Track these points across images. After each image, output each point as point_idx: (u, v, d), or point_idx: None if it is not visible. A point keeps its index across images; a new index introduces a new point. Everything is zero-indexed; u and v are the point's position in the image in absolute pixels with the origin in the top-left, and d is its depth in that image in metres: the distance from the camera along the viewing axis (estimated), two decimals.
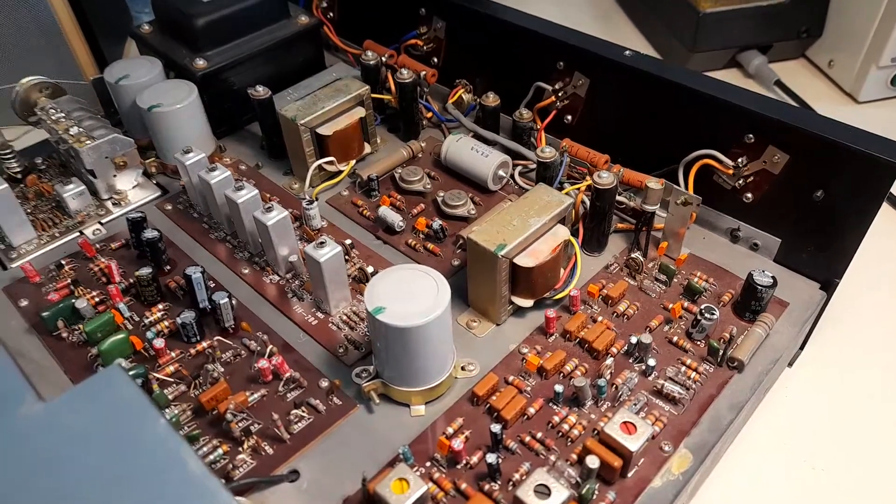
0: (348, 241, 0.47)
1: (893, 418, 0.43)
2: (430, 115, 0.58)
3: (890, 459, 0.41)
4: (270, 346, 0.40)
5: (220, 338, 0.41)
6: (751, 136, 0.42)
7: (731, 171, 0.44)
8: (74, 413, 0.24)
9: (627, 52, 0.47)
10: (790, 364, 0.47)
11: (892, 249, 0.55)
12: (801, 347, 0.47)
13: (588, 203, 0.45)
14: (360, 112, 0.53)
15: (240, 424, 0.36)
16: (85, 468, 0.23)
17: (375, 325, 0.35)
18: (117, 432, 0.24)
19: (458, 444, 0.34)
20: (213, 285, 0.45)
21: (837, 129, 0.39)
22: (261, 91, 0.53)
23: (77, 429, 0.24)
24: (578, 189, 0.47)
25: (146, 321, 0.42)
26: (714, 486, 0.40)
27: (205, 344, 0.40)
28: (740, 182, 0.44)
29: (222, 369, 0.40)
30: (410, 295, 0.35)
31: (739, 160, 0.43)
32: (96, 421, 0.24)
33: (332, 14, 0.68)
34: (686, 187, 0.46)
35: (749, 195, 0.44)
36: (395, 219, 0.48)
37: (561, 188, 0.48)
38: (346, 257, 0.46)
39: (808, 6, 0.73)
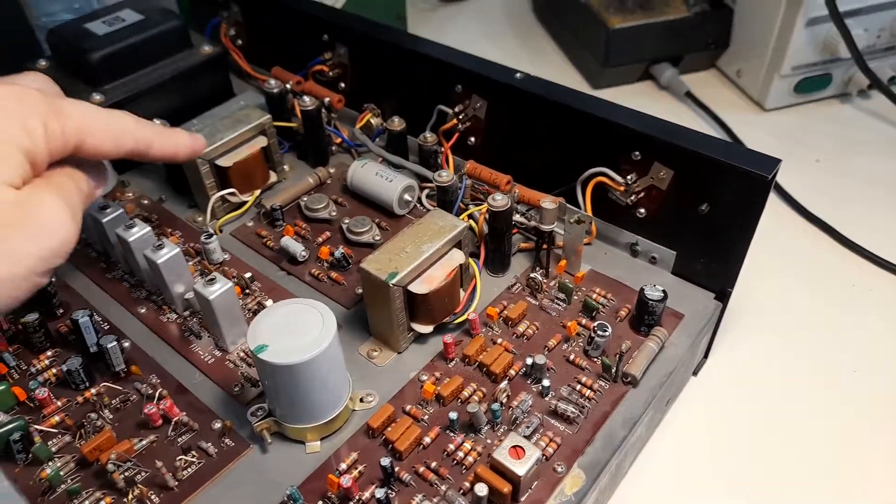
0: (248, 275, 0.46)
1: (795, 418, 0.45)
2: (338, 140, 0.58)
3: (795, 459, 0.42)
4: (160, 390, 0.39)
5: (107, 383, 0.39)
6: (637, 153, 0.43)
7: (622, 188, 0.45)
8: None
9: (518, 75, 0.47)
10: (695, 373, 0.48)
11: (793, 251, 0.57)
12: (706, 356, 0.48)
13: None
14: (261, 141, 0.52)
15: (123, 474, 0.35)
16: None
17: (260, 365, 0.34)
18: None
19: (346, 480, 0.33)
20: (107, 327, 0.44)
21: (711, 145, 0.40)
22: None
23: None
24: (480, 211, 0.47)
25: (34, 369, 0.41)
26: (620, 501, 0.40)
27: (93, 391, 0.39)
28: (633, 198, 0.45)
29: (111, 416, 0.38)
30: (295, 330, 0.35)
31: (629, 177, 0.44)
32: None
33: (240, 41, 0.67)
34: (584, 204, 0.47)
35: (642, 210, 0.45)
36: (297, 248, 0.47)
37: (465, 209, 0.48)
38: (247, 290, 0.46)
39: (714, 18, 0.75)
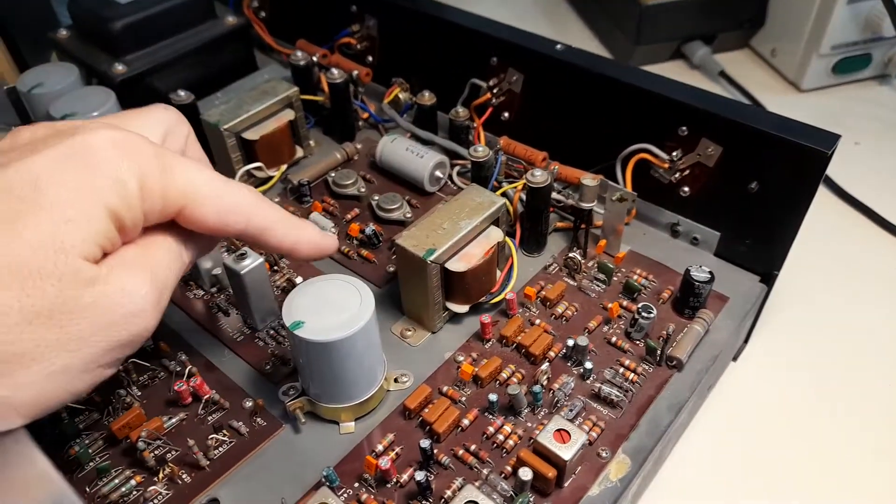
0: None
1: (838, 407, 0.43)
2: (366, 115, 0.56)
3: (836, 448, 0.41)
4: (190, 367, 0.37)
5: (135, 360, 0.38)
6: (683, 128, 0.42)
7: (667, 165, 0.43)
8: None
9: (559, 47, 0.46)
10: (735, 358, 0.46)
11: (834, 236, 0.55)
12: (746, 341, 0.46)
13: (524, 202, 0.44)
14: (288, 115, 0.50)
15: (154, 453, 0.34)
16: None
17: (295, 342, 0.33)
18: None
19: (385, 462, 0.32)
20: None
21: (766, 119, 0.39)
22: (183, 96, 0.50)
23: None
24: (515, 188, 0.45)
25: None
26: (659, 488, 0.39)
27: (120, 367, 0.38)
28: (677, 176, 0.43)
29: (139, 393, 0.37)
30: (331, 307, 0.33)
31: (674, 154, 0.43)
32: None
33: (264, 13, 0.65)
34: (624, 182, 0.45)
35: (686, 189, 0.44)
36: (326, 225, 0.46)
37: (499, 187, 0.46)
38: (275, 267, 0.44)
39: None
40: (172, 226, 0.26)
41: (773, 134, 0.38)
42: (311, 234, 0.31)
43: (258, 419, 0.36)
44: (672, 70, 0.75)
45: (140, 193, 0.24)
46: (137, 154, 0.24)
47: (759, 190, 0.40)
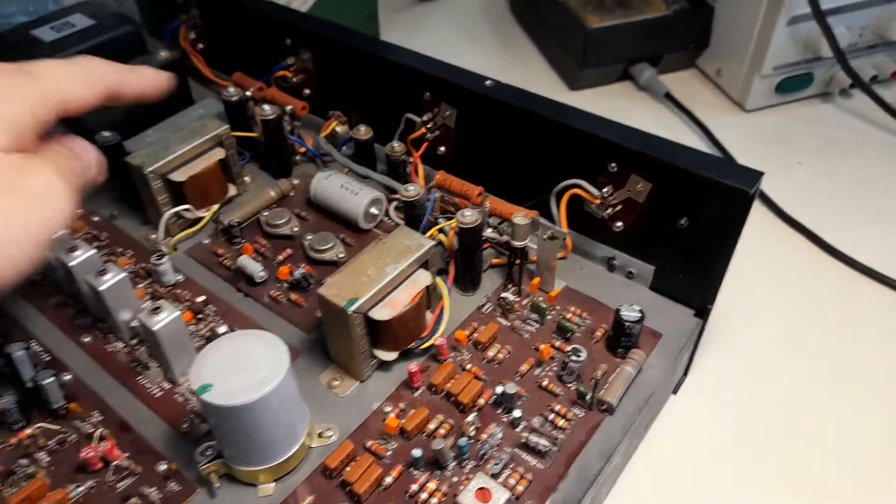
0: (201, 298, 0.43)
1: (779, 435, 0.43)
2: (303, 150, 0.55)
3: (780, 477, 0.40)
4: (100, 430, 0.36)
5: (42, 424, 0.36)
6: (613, 165, 0.41)
7: (598, 201, 0.43)
8: None
9: (488, 83, 0.45)
10: (675, 391, 0.45)
11: (774, 259, 0.55)
12: (686, 373, 0.46)
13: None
14: (219, 153, 0.49)
15: None
16: None
17: (205, 406, 0.32)
18: None
19: None
20: (48, 358, 0.41)
21: (689, 157, 0.38)
22: (108, 136, 0.48)
23: None
24: (450, 225, 0.44)
25: None
26: None
27: (28, 431, 0.36)
28: (609, 211, 0.43)
29: (47, 459, 0.35)
30: (243, 366, 0.32)
31: (605, 189, 0.42)
32: None
33: (201, 45, 0.64)
34: (559, 216, 0.45)
35: (619, 224, 0.43)
36: (255, 269, 0.45)
37: (435, 223, 0.45)
38: (199, 315, 0.43)
39: (694, 17, 0.73)
40: (55, 141, 0.31)
41: (696, 172, 0.37)
42: (150, 71, 0.36)
43: (172, 483, 0.34)
44: (619, 92, 0.75)
45: (29, 101, 0.29)
46: (4, 73, 0.30)
47: (688, 225, 0.40)
